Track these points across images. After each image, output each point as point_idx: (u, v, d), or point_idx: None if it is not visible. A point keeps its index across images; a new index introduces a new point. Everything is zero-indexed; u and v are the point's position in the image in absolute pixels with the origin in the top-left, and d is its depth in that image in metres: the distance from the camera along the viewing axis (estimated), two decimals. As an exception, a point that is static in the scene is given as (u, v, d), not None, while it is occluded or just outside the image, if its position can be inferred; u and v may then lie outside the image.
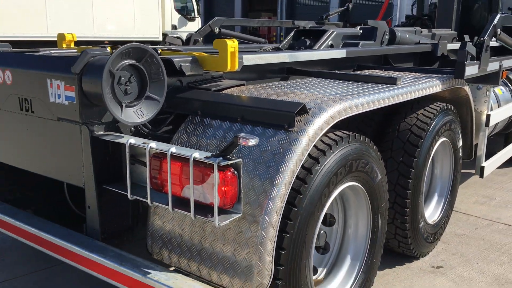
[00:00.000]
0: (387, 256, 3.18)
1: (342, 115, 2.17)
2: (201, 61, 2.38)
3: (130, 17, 14.55)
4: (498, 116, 4.09)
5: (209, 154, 1.78)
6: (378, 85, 2.75)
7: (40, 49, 2.74)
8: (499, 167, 5.46)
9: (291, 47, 3.93)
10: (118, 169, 2.17)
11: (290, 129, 1.98)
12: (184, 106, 2.31)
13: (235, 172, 1.78)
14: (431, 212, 3.51)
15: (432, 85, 2.98)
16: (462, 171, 5.12)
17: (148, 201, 1.95)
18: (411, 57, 4.24)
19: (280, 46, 3.97)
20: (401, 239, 3.15)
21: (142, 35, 14.73)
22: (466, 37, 5.14)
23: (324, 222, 2.43)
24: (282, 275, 2.00)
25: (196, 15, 16.30)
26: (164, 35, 15.37)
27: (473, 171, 5.35)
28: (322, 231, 2.43)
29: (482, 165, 3.91)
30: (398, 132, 3.04)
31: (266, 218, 1.86)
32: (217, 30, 4.87)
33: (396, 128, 3.06)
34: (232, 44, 2.31)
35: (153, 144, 1.92)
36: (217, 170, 1.73)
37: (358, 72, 3.45)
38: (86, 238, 2.17)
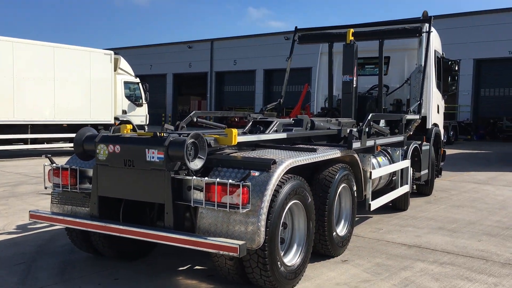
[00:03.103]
0: (315, 256, 5.40)
1: (291, 165, 4.47)
2: (218, 139, 4.63)
3: (87, 104, 16.42)
4: (377, 173, 6.62)
5: (236, 180, 3.98)
6: (306, 152, 5.10)
7: (121, 133, 4.84)
8: (388, 213, 8.05)
9: (251, 132, 6.26)
10: (181, 193, 4.28)
11: (269, 171, 4.23)
12: (210, 162, 4.48)
13: (248, 188, 3.99)
14: (341, 229, 5.81)
15: (334, 153, 5.41)
16: (364, 215, 7.64)
17: (203, 205, 4.08)
18: (324, 137, 6.71)
19: (245, 131, 6.30)
20: (323, 243, 5.39)
21: (97, 119, 16.58)
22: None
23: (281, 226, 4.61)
24: (267, 240, 4.15)
25: (144, 102, 18.49)
26: (116, 118, 17.35)
27: (371, 215, 7.88)
28: (281, 228, 4.61)
29: (369, 203, 6.33)
30: (319, 179, 5.38)
31: (261, 210, 4.05)
32: (195, 120, 7.18)
33: (317, 177, 5.40)
34: (235, 131, 4.59)
35: (206, 178, 4.10)
36: (241, 187, 3.93)
37: (294, 146, 5.82)
38: (166, 229, 4.22)
